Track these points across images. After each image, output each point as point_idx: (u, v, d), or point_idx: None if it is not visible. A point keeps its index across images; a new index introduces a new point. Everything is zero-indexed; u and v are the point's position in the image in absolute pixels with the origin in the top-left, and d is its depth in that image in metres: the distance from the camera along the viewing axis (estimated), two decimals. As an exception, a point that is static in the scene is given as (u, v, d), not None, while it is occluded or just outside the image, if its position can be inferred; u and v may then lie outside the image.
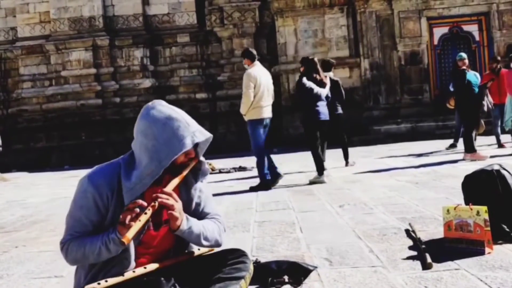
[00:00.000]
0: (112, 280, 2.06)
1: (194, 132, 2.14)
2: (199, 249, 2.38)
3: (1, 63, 19.23)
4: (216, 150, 11.28)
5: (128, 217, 1.99)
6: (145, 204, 2.03)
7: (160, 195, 2.07)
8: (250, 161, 11.77)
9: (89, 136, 17.03)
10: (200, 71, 18.92)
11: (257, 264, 2.78)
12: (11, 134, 17.01)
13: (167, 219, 2.18)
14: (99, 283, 2.05)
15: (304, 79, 7.50)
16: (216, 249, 2.42)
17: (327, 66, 9.48)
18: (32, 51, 18.72)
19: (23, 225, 5.57)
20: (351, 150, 12.78)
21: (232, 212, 5.21)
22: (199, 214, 2.31)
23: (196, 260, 2.33)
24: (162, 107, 2.17)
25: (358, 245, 3.42)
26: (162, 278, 2.05)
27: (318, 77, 7.59)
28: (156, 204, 2.05)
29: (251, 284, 2.49)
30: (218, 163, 10.82)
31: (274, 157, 13.26)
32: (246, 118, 7.43)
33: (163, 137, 2.09)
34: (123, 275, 2.09)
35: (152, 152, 2.09)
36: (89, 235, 2.10)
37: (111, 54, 18.52)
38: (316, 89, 7.44)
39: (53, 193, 8.85)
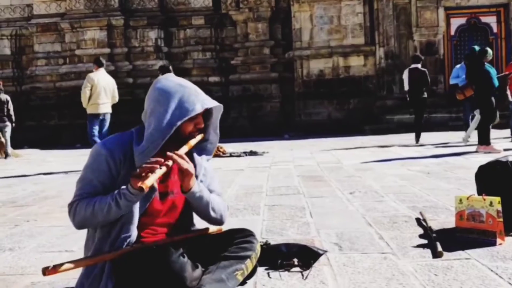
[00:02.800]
0: (122, 250, 2.10)
1: (204, 100, 2.21)
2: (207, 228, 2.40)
3: (16, 40, 19.30)
4: (227, 134, 11.29)
5: (145, 170, 2.03)
6: (161, 160, 2.07)
7: (172, 154, 2.11)
8: (261, 146, 11.78)
9: (101, 115, 17.02)
10: (214, 54, 18.88)
11: (267, 246, 2.78)
12: (23, 111, 17.10)
13: (172, 190, 2.26)
14: (105, 252, 2.11)
15: None
16: (224, 228, 2.44)
17: (416, 59, 11.60)
18: (47, 29, 18.76)
19: (35, 200, 5.62)
20: (362, 139, 12.78)
21: (242, 195, 5.22)
22: None
23: (204, 238, 2.35)
24: (173, 78, 2.26)
25: (368, 232, 3.41)
26: (171, 248, 2.07)
27: None
28: (171, 162, 2.10)
29: (260, 265, 2.50)
30: (229, 147, 10.81)
31: (286, 143, 13.31)
32: (87, 112, 9.03)
33: (174, 102, 2.15)
34: (132, 247, 2.12)
35: (164, 115, 2.13)
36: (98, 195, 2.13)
37: (126, 34, 18.52)
38: None
39: (64, 170, 8.93)
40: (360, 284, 2.39)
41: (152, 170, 2.02)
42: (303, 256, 2.66)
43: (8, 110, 12.68)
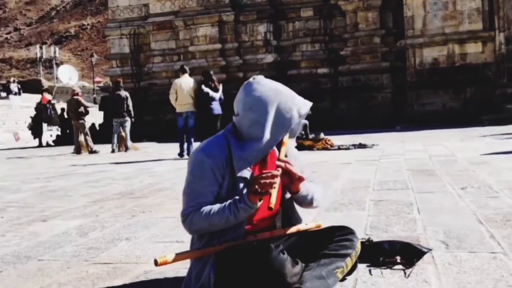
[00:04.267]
0: (225, 244, 2.19)
1: (299, 105, 2.23)
2: (306, 224, 2.42)
3: (134, 39, 20.39)
4: (335, 126, 11.18)
5: (264, 186, 2.08)
6: (276, 173, 2.11)
7: (281, 163, 2.17)
8: (371, 138, 11.59)
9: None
10: (323, 45, 18.78)
11: (369, 242, 2.75)
12: (142, 106, 18.04)
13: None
14: (214, 245, 2.21)
15: (203, 86, 10.69)
16: (324, 225, 2.46)
17: None
18: (163, 27, 19.62)
19: (150, 192, 5.93)
20: (480, 130, 12.17)
21: (348, 190, 5.18)
22: None
23: (304, 234, 2.38)
24: (266, 82, 2.25)
25: (478, 230, 3.26)
26: (272, 244, 2.11)
27: (213, 84, 10.74)
28: (280, 171, 2.15)
29: (361, 262, 2.48)
30: (337, 140, 10.73)
31: (397, 135, 13.00)
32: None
33: (275, 112, 2.18)
34: (235, 242, 2.20)
35: (267, 128, 2.17)
36: (211, 205, 2.18)
37: (236, 29, 18.93)
38: (211, 93, 10.61)
39: (178, 163, 9.34)
40: (465, 284, 2.31)
41: (271, 186, 2.07)
42: (406, 254, 2.60)
43: (128, 106, 13.47)
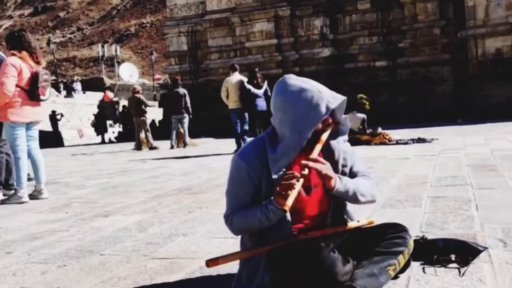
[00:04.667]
0: (276, 244, 2.21)
1: (328, 99, 2.19)
2: (358, 221, 2.41)
3: (192, 36, 20.70)
4: (394, 120, 11.02)
5: (284, 188, 2.08)
6: (297, 174, 2.10)
7: (307, 162, 2.15)
8: (430, 132, 11.35)
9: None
10: (381, 38, 18.50)
11: (423, 240, 2.73)
12: (199, 103, 18.32)
13: (315, 184, 2.28)
14: (265, 245, 2.23)
15: (246, 83, 11.04)
16: (378, 222, 2.44)
17: None
18: (219, 24, 19.83)
19: (208, 188, 6.03)
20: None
21: (404, 186, 5.11)
22: (348, 174, 2.36)
23: (355, 232, 2.37)
24: (293, 81, 2.23)
25: (540, 228, 3.17)
26: (322, 243, 2.12)
27: (255, 81, 11.06)
28: (307, 171, 2.13)
29: (415, 260, 2.46)
30: (396, 134, 10.57)
31: (458, 129, 12.67)
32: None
33: (300, 110, 2.16)
34: (285, 241, 2.22)
35: (293, 126, 2.17)
36: (249, 206, 2.24)
37: (292, 24, 18.91)
38: (253, 89, 10.96)
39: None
40: (523, 285, 2.25)
41: (290, 187, 2.06)
42: (461, 252, 2.56)
43: (186, 102, 13.74)
